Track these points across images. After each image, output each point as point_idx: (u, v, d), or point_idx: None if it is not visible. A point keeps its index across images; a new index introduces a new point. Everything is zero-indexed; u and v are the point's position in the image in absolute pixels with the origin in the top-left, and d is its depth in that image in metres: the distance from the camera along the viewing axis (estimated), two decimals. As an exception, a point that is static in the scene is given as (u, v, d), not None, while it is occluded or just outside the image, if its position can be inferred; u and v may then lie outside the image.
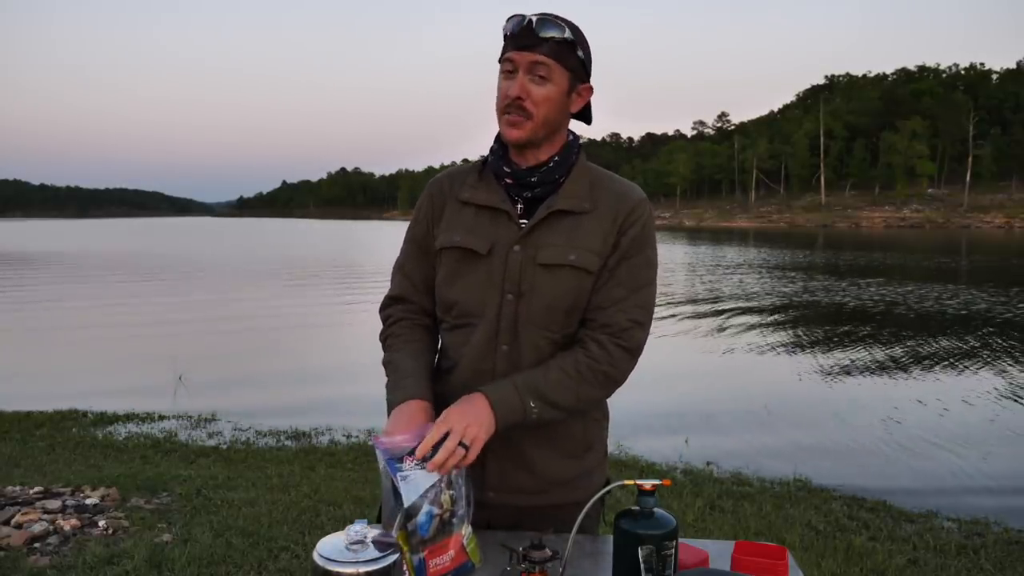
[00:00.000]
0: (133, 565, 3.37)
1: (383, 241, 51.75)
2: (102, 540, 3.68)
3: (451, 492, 1.36)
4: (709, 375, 9.55)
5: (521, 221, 1.53)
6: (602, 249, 1.51)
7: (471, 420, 1.38)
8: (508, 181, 1.55)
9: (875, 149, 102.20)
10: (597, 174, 1.59)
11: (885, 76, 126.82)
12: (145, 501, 4.35)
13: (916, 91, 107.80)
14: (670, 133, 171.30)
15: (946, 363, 10.07)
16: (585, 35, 1.51)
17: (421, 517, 1.30)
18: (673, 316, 14.46)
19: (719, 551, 1.49)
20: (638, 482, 1.33)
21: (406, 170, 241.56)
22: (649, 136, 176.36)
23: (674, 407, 7.71)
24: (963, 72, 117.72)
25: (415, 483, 1.30)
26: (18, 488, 4.35)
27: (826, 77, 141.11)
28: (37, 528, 3.73)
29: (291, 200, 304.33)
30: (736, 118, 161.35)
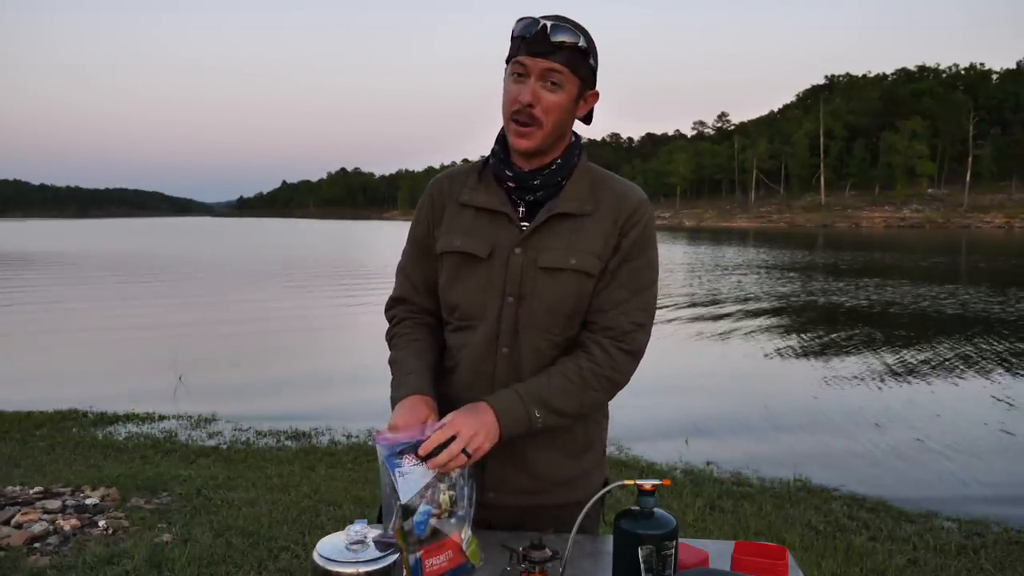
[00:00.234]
0: (133, 565, 3.37)
1: (383, 241, 51.75)
2: (102, 540, 3.68)
3: (451, 493, 1.36)
4: (709, 375, 9.54)
5: (522, 224, 1.53)
6: (603, 251, 1.50)
7: (478, 429, 1.38)
8: (510, 184, 1.53)
9: (875, 149, 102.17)
10: (598, 175, 1.58)
11: (885, 76, 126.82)
12: (145, 501, 4.36)
13: (916, 91, 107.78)
14: (670, 133, 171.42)
15: (947, 363, 10.06)
16: (594, 40, 1.49)
17: (418, 517, 1.30)
18: (673, 316, 14.46)
19: (719, 551, 1.49)
20: (638, 482, 1.33)
21: (406, 170, 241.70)
22: (649, 136, 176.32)
23: (674, 407, 7.71)
24: (963, 72, 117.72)
25: (413, 481, 1.31)
26: (18, 488, 4.35)
27: (826, 77, 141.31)
28: (37, 528, 3.73)
29: (291, 200, 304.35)
30: (736, 118, 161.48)
